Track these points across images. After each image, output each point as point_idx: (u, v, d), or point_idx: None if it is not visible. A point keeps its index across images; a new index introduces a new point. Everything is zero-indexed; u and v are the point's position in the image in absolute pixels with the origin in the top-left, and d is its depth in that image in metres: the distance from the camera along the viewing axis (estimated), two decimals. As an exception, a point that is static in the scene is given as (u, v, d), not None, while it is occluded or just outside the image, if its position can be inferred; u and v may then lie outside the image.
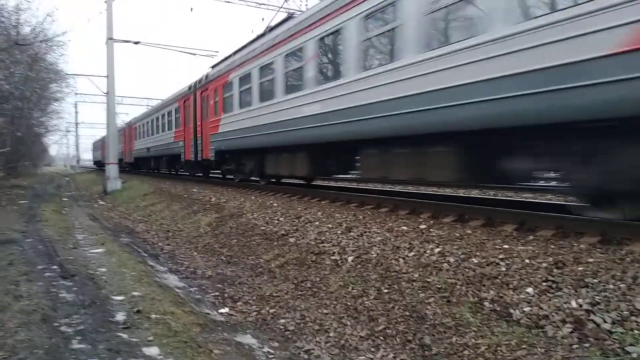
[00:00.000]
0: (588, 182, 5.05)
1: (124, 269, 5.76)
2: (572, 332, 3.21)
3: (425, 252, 5.03)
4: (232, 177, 15.14)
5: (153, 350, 3.31)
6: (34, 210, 12.57)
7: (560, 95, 4.62)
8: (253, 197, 10.74)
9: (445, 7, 6.09)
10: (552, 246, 4.45)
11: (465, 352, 3.35)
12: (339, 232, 6.42)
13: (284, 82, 10.36)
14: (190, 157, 17.41)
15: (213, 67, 16.32)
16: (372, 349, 3.69)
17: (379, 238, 5.77)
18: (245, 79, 12.51)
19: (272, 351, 3.84)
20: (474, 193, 10.68)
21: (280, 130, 10.34)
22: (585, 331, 3.16)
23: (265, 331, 4.31)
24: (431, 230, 5.66)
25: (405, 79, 6.64)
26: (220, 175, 16.76)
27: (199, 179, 18.53)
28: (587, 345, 3.04)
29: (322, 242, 6.27)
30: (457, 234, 5.30)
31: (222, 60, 15.48)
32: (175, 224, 10.04)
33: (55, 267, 5.84)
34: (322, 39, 8.87)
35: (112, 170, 19.45)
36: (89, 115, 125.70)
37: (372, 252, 5.46)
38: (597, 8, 4.25)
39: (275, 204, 9.21)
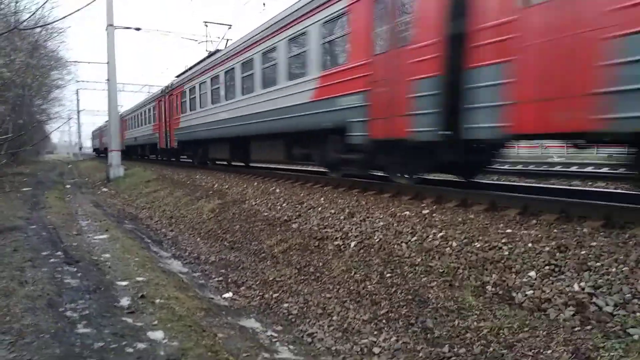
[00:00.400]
0: (318, 158, 9.73)
1: (128, 254, 5.80)
2: (574, 315, 3.22)
3: (427, 236, 5.04)
4: (190, 160, 20.32)
5: (158, 335, 3.34)
6: (38, 197, 12.62)
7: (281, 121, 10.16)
8: (255, 184, 10.75)
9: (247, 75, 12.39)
10: (555, 230, 4.44)
11: (468, 335, 3.38)
12: (341, 217, 6.43)
13: (211, 96, 15.33)
14: (163, 145, 22.13)
15: (178, 76, 20.72)
16: (375, 332, 3.72)
17: (381, 223, 5.78)
18: (192, 90, 17.54)
19: (275, 335, 3.87)
20: (477, 178, 10.66)
21: (211, 128, 15.05)
22: (587, 314, 3.18)
23: (268, 315, 4.35)
24: (434, 215, 5.65)
25: (255, 103, 11.70)
26: (190, 160, 20.94)
27: (202, 166, 18.72)
28: (588, 327, 3.06)
29: (325, 228, 6.28)
30: (460, 219, 5.30)
31: (183, 72, 20.12)
32: (179, 210, 10.08)
33: (59, 253, 5.88)
34: (226, 71, 13.95)
35: (114, 157, 19.45)
36: (91, 102, 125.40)
37: (375, 237, 5.47)
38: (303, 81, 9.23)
39: (277, 190, 9.22)
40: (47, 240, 6.70)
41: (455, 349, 3.27)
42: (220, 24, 22.42)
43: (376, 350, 3.48)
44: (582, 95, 4.47)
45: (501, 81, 5.24)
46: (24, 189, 14.50)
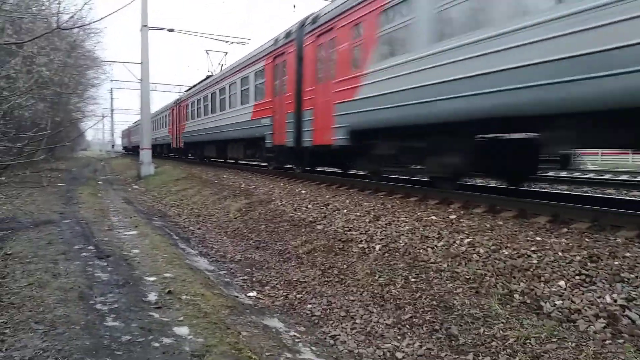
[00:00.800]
0: (258, 156, 15.10)
1: (157, 251, 5.92)
2: (605, 327, 3.13)
3: (454, 242, 4.97)
4: (193, 157, 26.18)
5: (183, 330, 3.40)
6: (72, 192, 13.02)
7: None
8: (282, 184, 10.82)
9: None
10: (587, 239, 4.32)
11: (493, 343, 3.32)
12: (367, 220, 6.41)
13: (203, 110, 20.88)
14: (175, 145, 28.15)
15: (186, 91, 27.39)
16: (398, 337, 3.69)
17: (407, 227, 5.73)
18: (192, 104, 23.41)
19: (298, 335, 3.89)
20: (506, 184, 10.46)
21: (204, 134, 20.43)
22: (619, 327, 3.08)
23: (292, 316, 4.37)
24: (461, 220, 5.58)
25: (227, 117, 16.96)
26: (194, 157, 26.48)
27: (229, 165, 19.29)
28: (620, 341, 2.97)
29: (350, 230, 6.27)
30: (488, 225, 5.22)
31: (190, 88, 26.75)
32: (206, 209, 10.23)
33: (91, 247, 6.05)
34: (211, 93, 19.43)
35: (145, 155, 19.89)
36: (124, 101, 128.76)
37: (400, 241, 5.44)
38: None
39: (303, 192, 9.26)
40: (80, 234, 6.91)
41: (480, 358, 3.21)
42: (219, 51, 30.36)
43: (399, 355, 3.45)
44: (329, 128, 9.36)
45: (310, 118, 10.38)
46: (60, 184, 14.98)
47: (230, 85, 16.58)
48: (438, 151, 6.94)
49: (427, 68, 6.52)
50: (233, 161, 20.82)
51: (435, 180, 7.70)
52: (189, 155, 27.13)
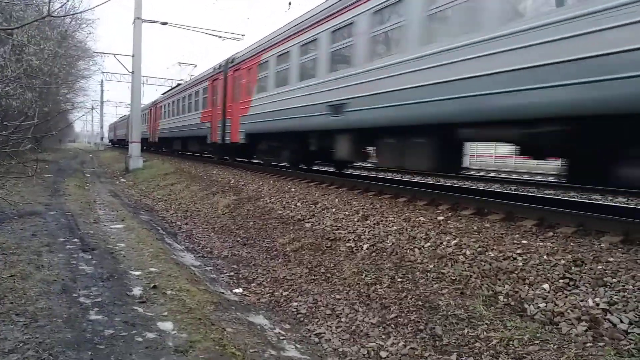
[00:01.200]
0: (208, 150, 20.05)
1: (143, 245, 5.87)
2: (587, 330, 3.16)
3: (441, 243, 5.00)
4: (166, 150, 30.08)
5: (167, 325, 3.37)
6: (58, 184, 12.86)
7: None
8: (271, 182, 10.80)
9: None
10: (572, 243, 4.37)
11: (477, 344, 3.34)
12: (355, 219, 6.41)
13: (172, 111, 24.84)
14: (150, 140, 31.76)
15: (163, 94, 30.71)
16: (383, 336, 3.70)
17: (395, 227, 5.75)
18: (165, 107, 27.06)
19: (283, 333, 3.88)
20: (495, 187, 10.54)
21: (172, 130, 24.54)
22: (600, 330, 3.12)
23: (277, 313, 4.36)
24: (449, 222, 5.61)
25: (186, 119, 21.97)
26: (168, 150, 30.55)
27: (220, 161, 19.07)
28: (601, 344, 3.00)
29: (338, 229, 6.28)
30: (475, 227, 5.25)
31: (165, 92, 31.11)
32: (194, 204, 10.17)
33: (76, 240, 5.98)
34: (177, 99, 23.72)
35: (134, 148, 19.70)
36: (114, 93, 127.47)
37: (388, 241, 5.45)
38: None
39: (293, 189, 9.24)
40: (65, 226, 6.82)
41: (464, 358, 3.23)
42: (189, 64, 38.52)
43: (383, 354, 3.46)
44: (237, 131, 14.20)
45: (229, 124, 14.92)
46: (46, 176, 14.80)
47: (190, 95, 21.25)
48: (284, 148, 11.94)
49: (273, 102, 11.42)
50: (229, 158, 22.20)
51: (290, 165, 12.43)
52: (163, 148, 31.66)
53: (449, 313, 3.81)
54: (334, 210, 7.08)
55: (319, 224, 6.71)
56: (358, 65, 7.93)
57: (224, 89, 15.80)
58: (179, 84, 28.49)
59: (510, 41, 4.98)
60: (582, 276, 3.69)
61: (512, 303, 3.73)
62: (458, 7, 5.81)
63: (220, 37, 22.63)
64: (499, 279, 4.05)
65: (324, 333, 3.87)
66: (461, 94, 5.62)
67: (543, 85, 4.63)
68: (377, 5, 7.36)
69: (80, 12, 20.50)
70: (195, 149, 22.16)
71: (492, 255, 4.42)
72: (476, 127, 5.85)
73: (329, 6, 8.93)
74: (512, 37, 4.97)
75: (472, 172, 17.39)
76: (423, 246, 5.07)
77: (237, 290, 4.93)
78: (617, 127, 4.46)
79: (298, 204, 8.01)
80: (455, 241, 4.93)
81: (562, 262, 3.95)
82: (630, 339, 2.96)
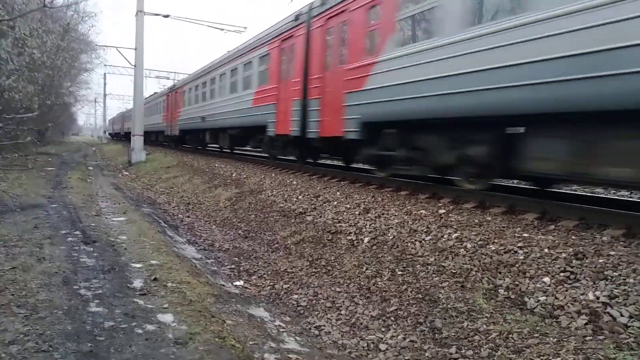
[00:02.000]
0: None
1: (144, 237, 5.89)
2: (586, 323, 3.16)
3: (442, 236, 4.99)
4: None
5: (167, 317, 3.39)
6: (61, 177, 12.90)
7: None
8: (273, 175, 10.79)
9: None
10: (574, 237, 4.35)
11: (476, 337, 3.34)
12: (356, 212, 6.40)
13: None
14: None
15: (149, 96, 31.63)
16: (383, 329, 3.70)
17: (396, 220, 5.74)
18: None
19: (283, 325, 3.89)
20: (496, 181, 10.49)
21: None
22: (600, 324, 3.11)
23: (277, 305, 4.37)
24: (450, 215, 5.59)
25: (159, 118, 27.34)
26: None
27: (222, 154, 19.03)
28: (601, 337, 2.99)
29: (339, 222, 6.27)
30: (476, 220, 5.23)
31: (150, 95, 33.12)
32: (196, 197, 10.18)
33: (77, 232, 6.00)
34: (164, 99, 27.49)
35: (137, 141, 19.72)
36: (117, 87, 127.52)
37: (389, 234, 5.44)
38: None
39: (294, 182, 9.24)
40: (67, 219, 6.85)
41: (463, 351, 3.23)
42: (172, 79, 39.78)
43: (382, 347, 3.46)
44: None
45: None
46: (49, 169, 14.84)
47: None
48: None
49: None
50: (229, 150, 19.48)
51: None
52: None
53: (449, 306, 3.81)
54: (335, 203, 7.07)
55: (321, 217, 6.71)
56: None
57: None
58: (173, 85, 26.74)
59: None
60: (583, 270, 3.67)
61: (513, 296, 3.72)
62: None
63: (222, 29, 22.53)
64: (500, 272, 4.04)
65: (324, 326, 3.87)
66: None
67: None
68: None
69: (78, 2, 20.45)
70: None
71: (493, 248, 4.41)
72: None
73: None
74: None
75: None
76: (424, 239, 5.06)
77: (237, 283, 4.94)
78: None
79: (300, 197, 8.00)
80: (456, 234, 4.91)
81: (563, 255, 3.93)
82: (630, 333, 2.95)
